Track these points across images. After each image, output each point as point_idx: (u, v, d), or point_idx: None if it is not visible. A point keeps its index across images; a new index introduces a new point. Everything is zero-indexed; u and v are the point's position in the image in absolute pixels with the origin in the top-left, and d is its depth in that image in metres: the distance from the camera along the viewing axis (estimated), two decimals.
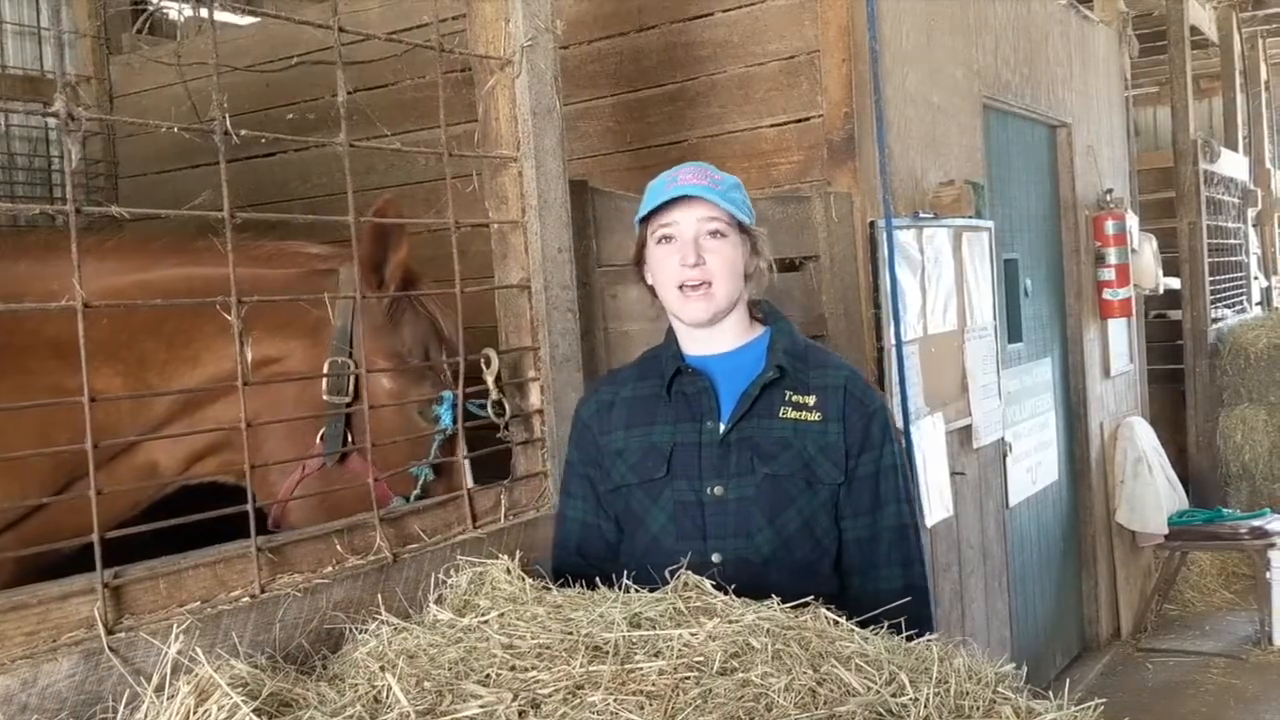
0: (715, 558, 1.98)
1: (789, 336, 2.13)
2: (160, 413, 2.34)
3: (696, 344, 2.12)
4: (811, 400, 2.05)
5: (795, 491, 2.02)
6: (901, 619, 1.79)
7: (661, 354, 2.15)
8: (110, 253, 2.35)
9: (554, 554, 2.19)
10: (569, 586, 1.88)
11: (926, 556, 3.99)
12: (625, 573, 1.88)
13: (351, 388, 2.33)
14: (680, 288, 2.04)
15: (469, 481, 2.26)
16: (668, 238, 2.06)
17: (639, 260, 2.15)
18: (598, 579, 1.92)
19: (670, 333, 2.17)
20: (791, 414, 2.03)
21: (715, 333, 2.10)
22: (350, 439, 2.34)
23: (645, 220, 2.09)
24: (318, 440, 2.34)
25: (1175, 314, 8.24)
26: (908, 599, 2.00)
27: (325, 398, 2.34)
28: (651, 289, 2.14)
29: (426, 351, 2.45)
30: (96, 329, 2.22)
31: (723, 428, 2.04)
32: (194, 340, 2.34)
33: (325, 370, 2.33)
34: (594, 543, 2.14)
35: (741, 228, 2.07)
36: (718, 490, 2.01)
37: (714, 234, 2.04)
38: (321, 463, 2.33)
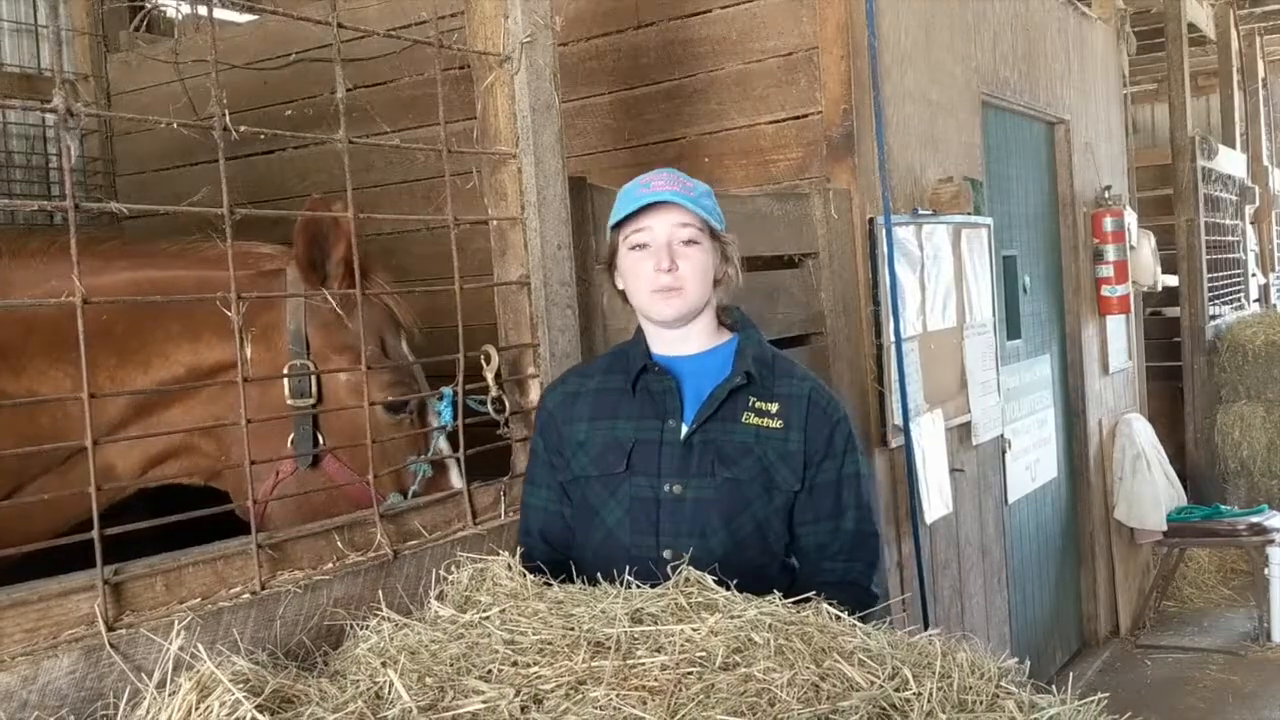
0: (666, 554, 2.00)
1: (758, 345, 2.16)
2: (113, 415, 2.32)
3: (665, 344, 2.14)
4: (774, 408, 2.08)
5: (753, 495, 2.05)
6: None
7: (630, 351, 2.17)
8: (58, 255, 2.31)
9: (520, 540, 2.21)
10: (539, 573, 1.90)
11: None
12: (585, 563, 1.97)
13: (315, 389, 2.33)
14: (654, 292, 2.06)
15: (457, 481, 2.26)
16: (641, 244, 2.07)
17: (610, 265, 2.17)
18: (567, 565, 1.99)
19: (639, 330, 2.19)
20: (754, 420, 2.07)
21: (684, 334, 2.13)
22: (320, 440, 2.34)
23: (618, 226, 2.11)
24: (288, 445, 2.33)
25: (1171, 311, 8.24)
26: (856, 589, 2.05)
27: (288, 401, 2.33)
28: (622, 293, 2.16)
29: (383, 340, 2.44)
30: (43, 334, 2.22)
31: (685, 428, 2.07)
32: (146, 345, 2.33)
33: (285, 373, 2.32)
34: (557, 529, 2.17)
35: (713, 234, 2.09)
36: (676, 489, 2.04)
37: (687, 241, 2.06)
38: (294, 467, 2.33)
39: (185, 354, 2.35)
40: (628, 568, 1.82)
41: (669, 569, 1.82)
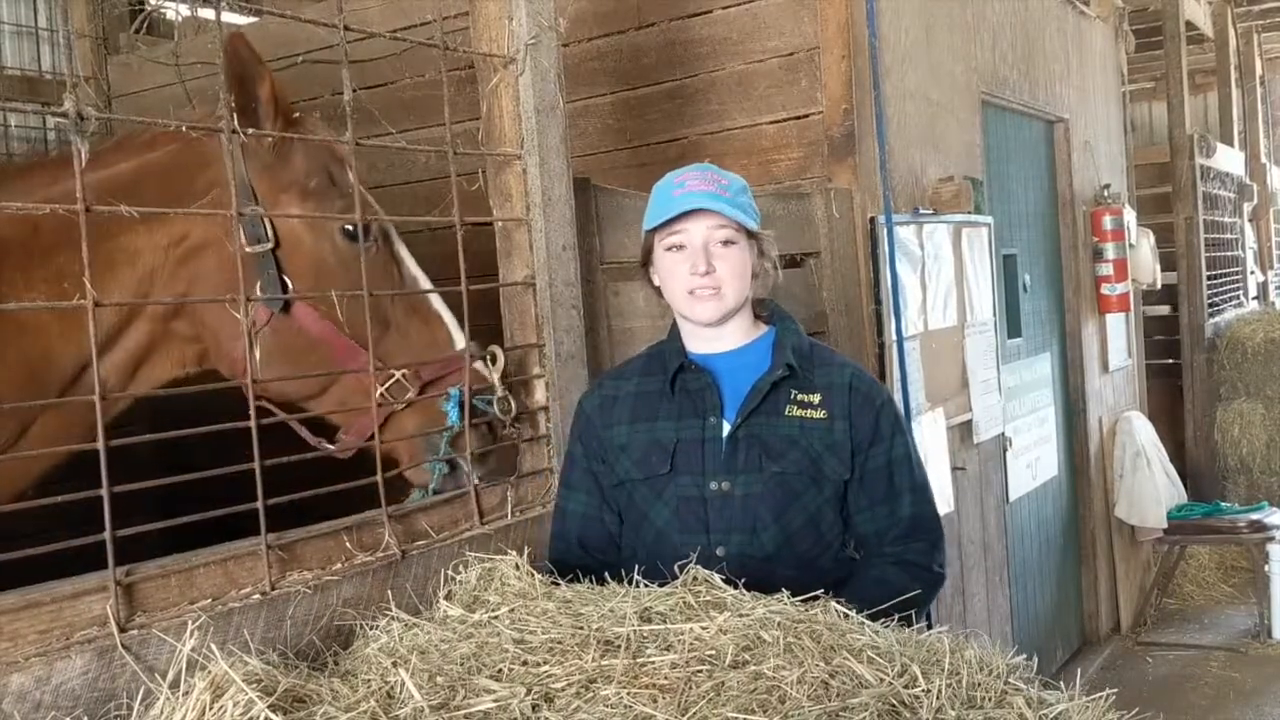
0: (719, 551, 2.00)
1: (795, 335, 2.15)
2: (102, 328, 2.26)
3: (701, 342, 2.14)
4: (817, 398, 2.08)
5: (801, 488, 2.04)
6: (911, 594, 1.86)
7: (665, 350, 2.17)
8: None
9: (553, 545, 2.20)
10: (572, 579, 1.90)
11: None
12: (634, 566, 1.91)
13: (270, 232, 2.29)
14: (690, 292, 2.06)
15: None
16: (677, 246, 2.07)
17: (646, 262, 2.17)
18: (602, 571, 1.95)
19: (674, 328, 2.19)
20: (797, 412, 2.06)
21: (720, 331, 2.12)
22: (287, 285, 2.31)
23: (653, 228, 2.11)
24: (257, 293, 2.28)
25: (1159, 310, 8.23)
26: (918, 589, 2.02)
27: (247, 249, 2.26)
28: (658, 290, 2.16)
29: (330, 174, 2.39)
30: (14, 256, 2.20)
31: (726, 424, 2.06)
32: (104, 240, 2.25)
33: (238, 226, 2.23)
34: (596, 535, 2.16)
35: (749, 233, 2.09)
36: (724, 485, 2.03)
37: (724, 242, 2.06)
38: (269, 314, 2.30)
39: (144, 240, 2.32)
40: (678, 567, 1.81)
41: (722, 567, 1.83)
